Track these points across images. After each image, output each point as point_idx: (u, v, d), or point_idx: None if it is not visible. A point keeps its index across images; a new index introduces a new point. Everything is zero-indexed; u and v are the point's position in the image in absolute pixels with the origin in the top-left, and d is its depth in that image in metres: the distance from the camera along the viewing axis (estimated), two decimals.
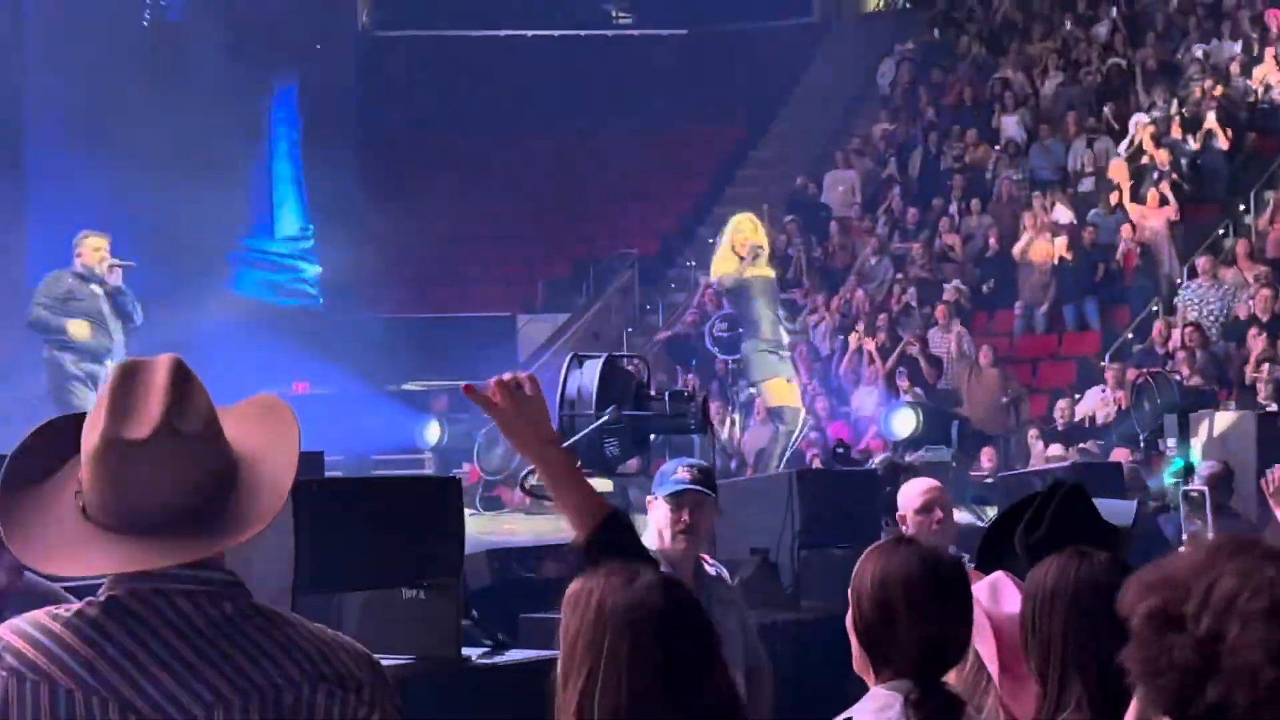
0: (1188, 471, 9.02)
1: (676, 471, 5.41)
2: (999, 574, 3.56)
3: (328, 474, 7.91)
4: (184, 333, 15.65)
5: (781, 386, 11.45)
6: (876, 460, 7.34)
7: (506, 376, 3.08)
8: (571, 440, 6.38)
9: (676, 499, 5.32)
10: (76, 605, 2.35)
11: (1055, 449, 13.56)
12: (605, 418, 6.50)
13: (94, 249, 10.97)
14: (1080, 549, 3.37)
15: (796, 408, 11.56)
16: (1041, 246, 17.93)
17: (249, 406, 2.48)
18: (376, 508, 5.05)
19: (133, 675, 2.27)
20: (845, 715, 3.02)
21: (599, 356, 6.79)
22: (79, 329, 10.71)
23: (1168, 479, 9.81)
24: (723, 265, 11.60)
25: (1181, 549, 4.17)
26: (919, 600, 3.05)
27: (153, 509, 2.28)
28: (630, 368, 6.85)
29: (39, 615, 2.36)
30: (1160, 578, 1.42)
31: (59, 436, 2.40)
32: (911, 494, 5.96)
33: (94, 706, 2.26)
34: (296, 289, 21.38)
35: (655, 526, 5.33)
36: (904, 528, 5.87)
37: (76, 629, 2.31)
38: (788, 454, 11.21)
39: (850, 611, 3.13)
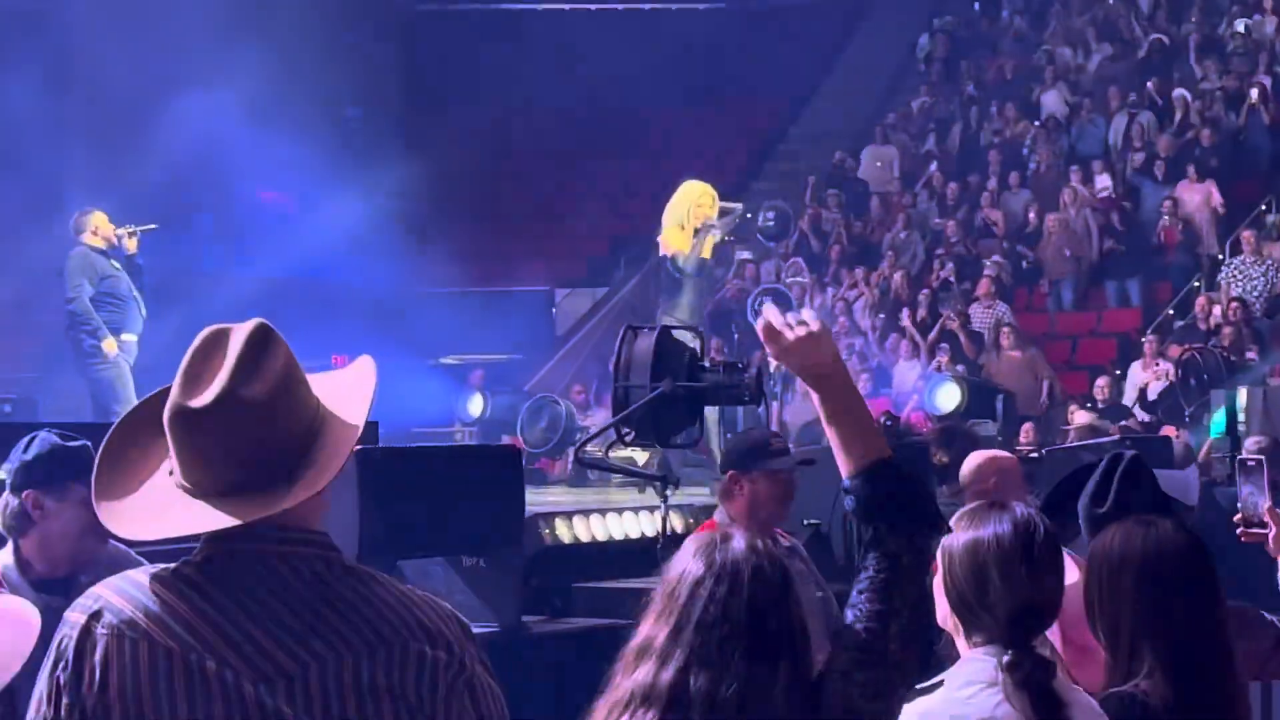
0: (1231, 430, 8.98)
1: (771, 444, 5.34)
2: None
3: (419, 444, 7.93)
4: (214, 305, 15.74)
5: None
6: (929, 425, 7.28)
7: (774, 320, 2.86)
8: (625, 412, 6.36)
9: (789, 475, 5.29)
10: (173, 565, 2.38)
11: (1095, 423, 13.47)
12: (660, 389, 6.48)
13: (106, 220, 10.77)
14: (1144, 517, 3.36)
15: None
16: (1080, 222, 17.83)
17: (349, 370, 2.51)
18: (438, 476, 5.08)
19: (229, 633, 2.29)
20: (935, 680, 3.02)
21: (654, 328, 6.77)
22: (110, 346, 10.50)
23: (1214, 433, 9.75)
24: (674, 239, 10.89)
25: (1237, 517, 4.16)
26: (1012, 566, 3.03)
27: (225, 472, 2.31)
28: (685, 338, 6.82)
29: (137, 574, 2.38)
30: None
31: (158, 408, 2.43)
32: (990, 465, 5.85)
33: (192, 663, 2.28)
34: None
35: (745, 500, 5.22)
36: (974, 496, 5.79)
37: (174, 587, 2.33)
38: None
39: (941, 575, 3.11)
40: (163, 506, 2.37)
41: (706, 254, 10.70)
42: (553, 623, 5.41)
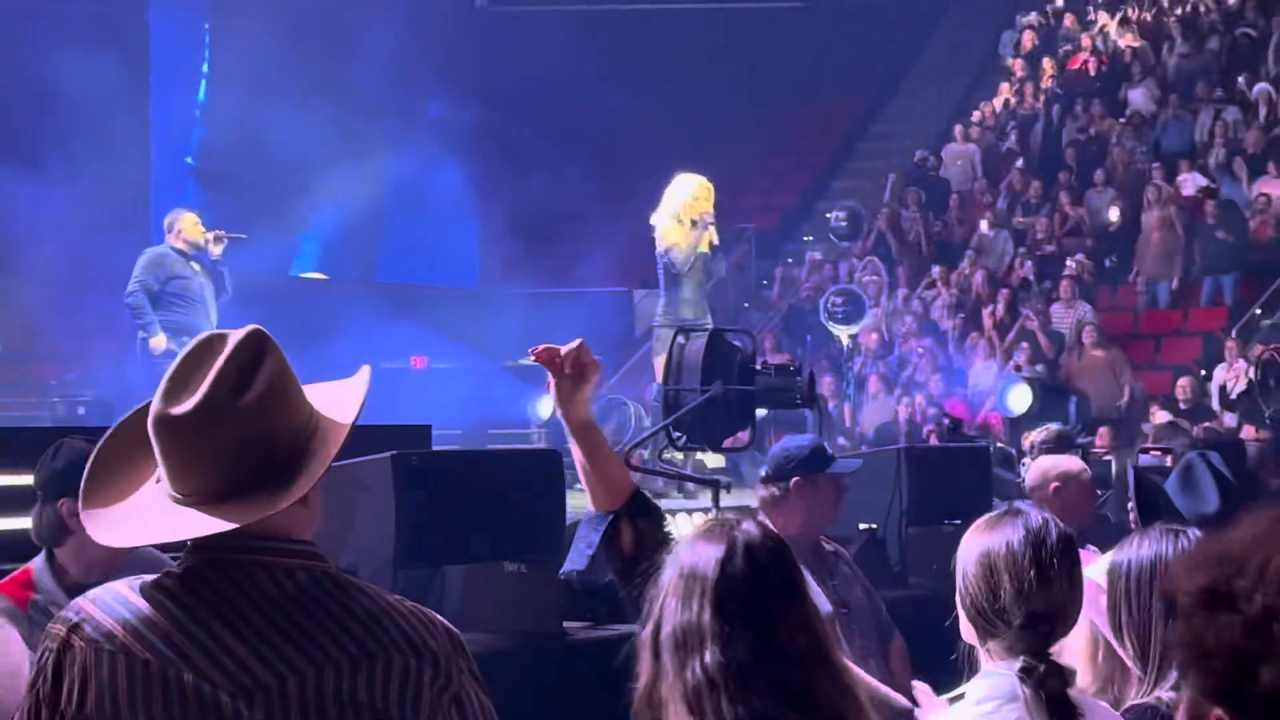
0: None
1: (820, 451, 5.30)
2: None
3: (439, 447, 7.96)
4: (295, 308, 15.87)
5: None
6: (1041, 432, 7.19)
7: (574, 344, 3.18)
8: (676, 415, 6.35)
9: (841, 478, 5.27)
10: (154, 576, 2.38)
11: (1172, 425, 13.27)
12: (711, 392, 6.45)
13: (194, 223, 10.87)
14: (1171, 526, 3.30)
15: None
16: (1165, 219, 17.58)
17: (349, 380, 2.51)
18: (478, 481, 5.07)
19: (208, 645, 2.29)
20: (959, 690, 2.99)
21: (704, 331, 6.75)
22: (158, 342, 10.56)
23: None
24: (672, 234, 10.70)
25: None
26: (1023, 574, 2.99)
27: (208, 479, 2.31)
28: (736, 342, 6.78)
29: (118, 586, 2.38)
30: (1212, 554, 1.32)
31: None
32: (1055, 470, 5.83)
33: (169, 676, 2.27)
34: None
35: (797, 508, 5.17)
36: (1039, 501, 5.74)
37: (153, 599, 2.33)
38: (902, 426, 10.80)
39: (958, 584, 3.09)
40: (147, 513, 2.37)
41: (705, 248, 10.61)
42: (596, 629, 5.37)
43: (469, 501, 5.01)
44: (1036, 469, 5.90)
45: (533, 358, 3.23)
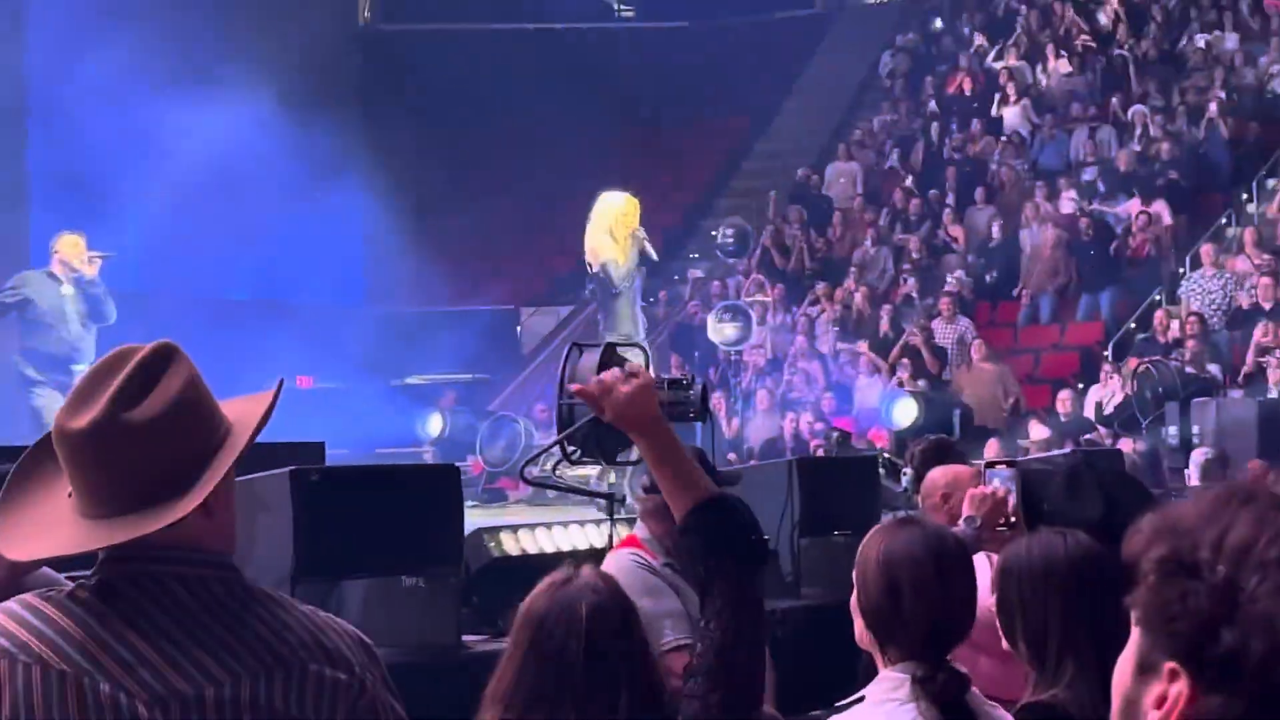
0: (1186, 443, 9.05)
1: (704, 464, 5.34)
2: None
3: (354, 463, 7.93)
4: (180, 327, 15.65)
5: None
6: (921, 442, 7.29)
7: (607, 377, 3.05)
8: (571, 430, 6.36)
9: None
10: (68, 587, 2.37)
11: (1052, 438, 13.55)
12: None
13: (72, 244, 10.76)
14: (1057, 529, 3.39)
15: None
16: (1044, 237, 17.92)
17: (260, 394, 2.52)
18: (376, 496, 5.08)
19: (124, 656, 2.28)
20: (857, 696, 3.04)
21: (598, 345, 6.78)
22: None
23: None
24: (606, 250, 10.74)
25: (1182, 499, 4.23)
26: (925, 580, 3.05)
27: (111, 492, 2.32)
28: (630, 356, 6.82)
29: (30, 597, 2.37)
30: (1168, 524, 1.41)
31: None
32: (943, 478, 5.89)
33: (85, 687, 2.27)
34: None
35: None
36: (929, 510, 5.81)
37: (68, 610, 2.32)
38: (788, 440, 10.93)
39: (855, 591, 3.13)
40: (51, 526, 2.37)
41: (634, 263, 10.68)
42: (494, 642, 5.39)
43: (367, 516, 5.01)
44: (927, 478, 5.97)
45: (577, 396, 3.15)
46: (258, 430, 2.43)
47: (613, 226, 10.50)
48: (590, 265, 10.68)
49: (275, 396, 2.51)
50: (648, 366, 6.82)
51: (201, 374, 2.46)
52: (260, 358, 16.58)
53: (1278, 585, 1.34)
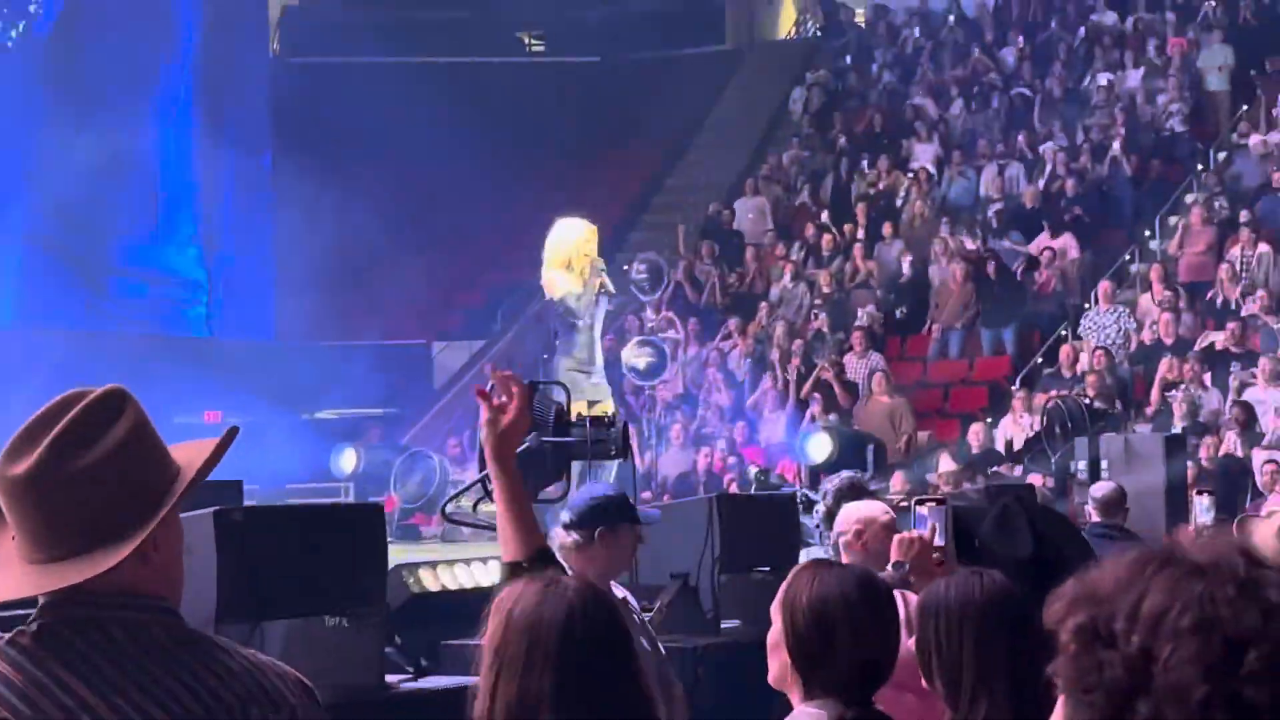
0: (1094, 477, 9.16)
1: (623, 501, 5.39)
2: None
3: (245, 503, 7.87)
4: (88, 364, 15.52)
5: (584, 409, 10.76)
6: (835, 479, 7.33)
7: (506, 373, 3.20)
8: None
9: (642, 529, 5.34)
10: (8, 635, 2.37)
11: (961, 471, 13.69)
12: (527, 444, 6.49)
13: None
14: (975, 568, 3.45)
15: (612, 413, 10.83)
16: (953, 272, 18.13)
17: (209, 440, 2.52)
18: (299, 536, 5.06)
19: (65, 702, 2.28)
20: None
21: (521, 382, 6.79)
22: None
23: None
24: (563, 282, 10.69)
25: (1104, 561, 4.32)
26: (858, 621, 3.09)
27: (51, 537, 2.32)
28: (552, 394, 6.84)
29: None
30: (1086, 592, 1.41)
31: None
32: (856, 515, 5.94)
33: None
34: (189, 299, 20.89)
35: (600, 556, 5.25)
36: (843, 547, 5.85)
37: (9, 657, 2.32)
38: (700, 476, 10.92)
39: (782, 628, 3.15)
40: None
41: (593, 293, 10.66)
42: (417, 682, 5.39)
43: (290, 556, 5.00)
44: (840, 515, 6.02)
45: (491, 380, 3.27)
46: (198, 478, 2.43)
47: (570, 257, 10.48)
48: (548, 295, 10.62)
49: (222, 443, 2.51)
50: (568, 405, 6.84)
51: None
52: (168, 393, 16.43)
53: (1190, 655, 1.34)
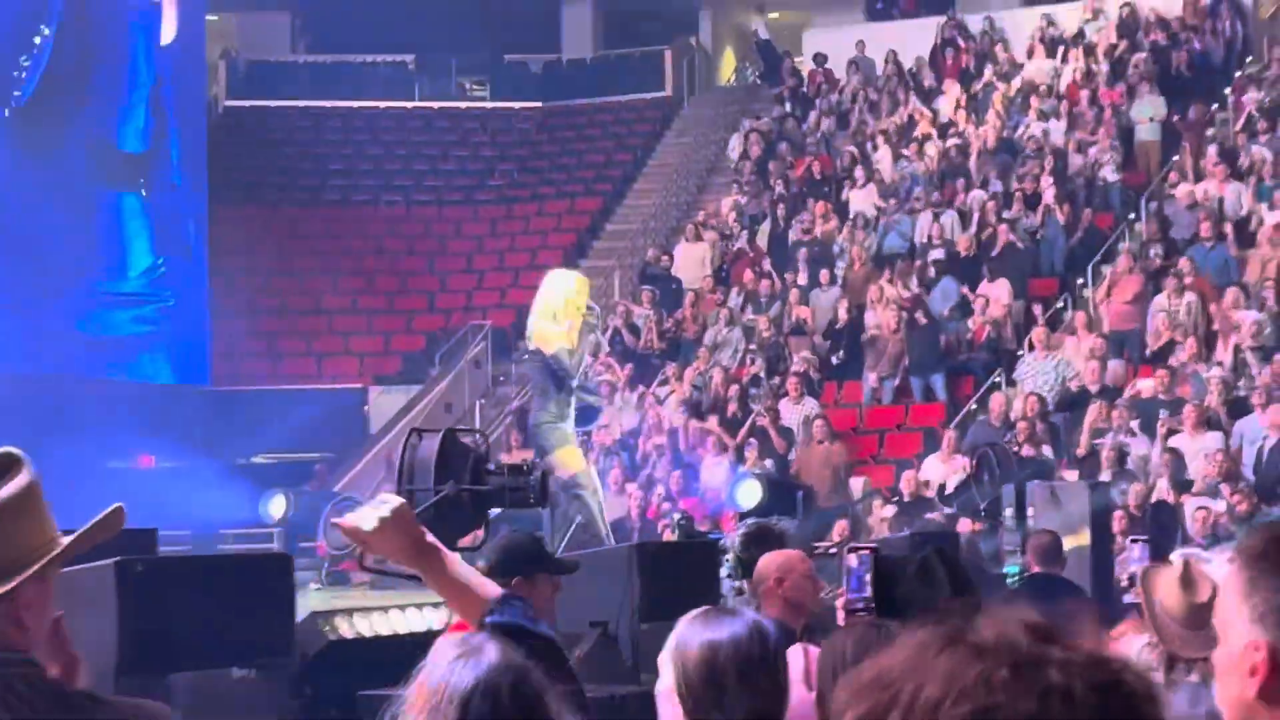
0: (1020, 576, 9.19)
1: (544, 548, 5.38)
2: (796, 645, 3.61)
3: (169, 550, 7.80)
4: (22, 406, 15.36)
5: (574, 454, 10.78)
6: (743, 526, 7.31)
7: (347, 522, 3.07)
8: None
9: (560, 578, 5.32)
10: None
11: (896, 518, 13.73)
12: (444, 492, 6.48)
13: None
14: (874, 621, 3.44)
15: (588, 470, 10.84)
16: (888, 319, 18.21)
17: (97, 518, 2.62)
18: (204, 586, 5.00)
19: None
20: None
21: (438, 431, 6.77)
22: None
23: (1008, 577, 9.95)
24: (553, 336, 10.53)
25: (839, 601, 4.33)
26: (750, 668, 3.07)
27: None
28: (469, 441, 6.82)
29: None
30: (873, 677, 1.33)
31: None
32: (775, 563, 5.92)
33: None
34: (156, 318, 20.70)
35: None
36: (763, 595, 5.82)
37: None
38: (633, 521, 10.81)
39: (672, 677, 3.12)
40: None
41: (584, 350, 10.56)
42: None
43: (196, 606, 4.94)
44: (759, 563, 5.99)
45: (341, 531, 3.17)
46: (70, 550, 2.50)
47: (559, 310, 10.31)
48: (535, 346, 10.46)
49: (103, 521, 2.58)
50: (487, 454, 6.83)
51: (39, 456, 2.54)
52: (103, 437, 16.30)
53: None
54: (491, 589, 3.13)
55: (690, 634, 3.14)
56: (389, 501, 3.05)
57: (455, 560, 3.16)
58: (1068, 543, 9.29)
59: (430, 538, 3.13)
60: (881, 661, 1.34)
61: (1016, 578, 9.46)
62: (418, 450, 6.53)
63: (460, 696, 2.54)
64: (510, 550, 5.23)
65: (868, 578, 4.41)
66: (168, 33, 20.87)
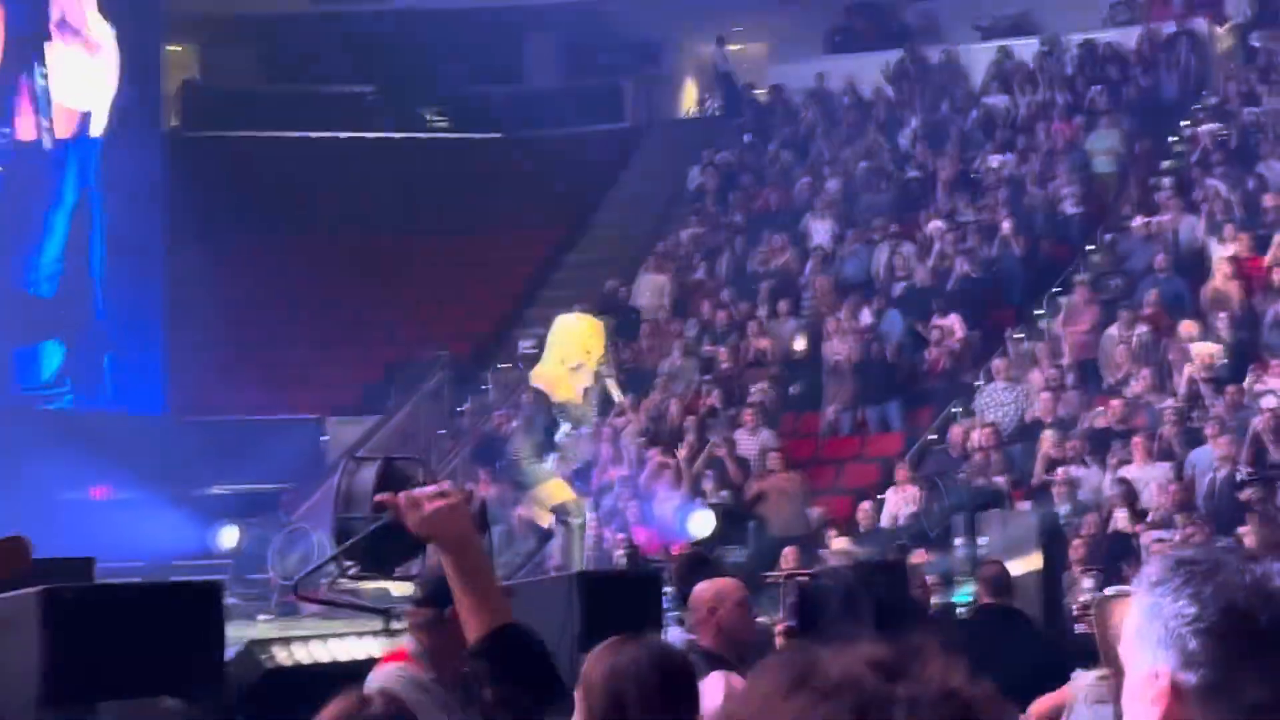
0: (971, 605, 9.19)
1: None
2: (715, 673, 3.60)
3: (120, 580, 7.72)
4: None
5: (560, 485, 10.79)
6: (679, 555, 7.30)
7: (418, 492, 3.08)
8: (347, 544, 6.29)
9: None
10: None
11: (853, 548, 13.71)
12: (382, 520, 6.42)
13: None
14: (797, 648, 3.43)
15: (576, 500, 10.83)
16: (846, 349, 18.25)
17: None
18: (132, 615, 4.96)
19: None
20: None
21: (377, 459, 6.73)
22: None
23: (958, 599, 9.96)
24: (564, 388, 10.37)
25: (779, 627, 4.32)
26: (651, 695, 3.06)
27: None
28: (409, 469, 6.77)
29: None
30: (730, 715, 1.33)
31: None
32: (709, 593, 5.89)
33: None
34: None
35: (447, 635, 5.17)
36: (697, 624, 5.81)
37: None
38: (587, 551, 10.73)
39: (578, 708, 3.13)
40: None
41: (595, 403, 10.47)
42: None
43: (123, 636, 4.89)
44: (693, 592, 5.96)
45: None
46: None
47: (566, 355, 10.21)
48: (539, 386, 10.38)
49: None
50: (427, 483, 6.79)
51: None
52: (56, 468, 16.20)
53: None
54: (508, 612, 3.08)
55: (595, 663, 3.14)
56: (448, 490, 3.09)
57: (490, 567, 3.14)
58: (1018, 568, 9.31)
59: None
60: (732, 707, 1.34)
61: (967, 607, 9.47)
62: (355, 477, 6.46)
63: None
64: (443, 578, 5.20)
65: (790, 607, 4.41)
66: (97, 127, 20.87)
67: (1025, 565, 10.16)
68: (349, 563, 6.68)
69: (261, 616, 10.74)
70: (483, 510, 6.34)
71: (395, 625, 6.27)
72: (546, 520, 10.13)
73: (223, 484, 19.61)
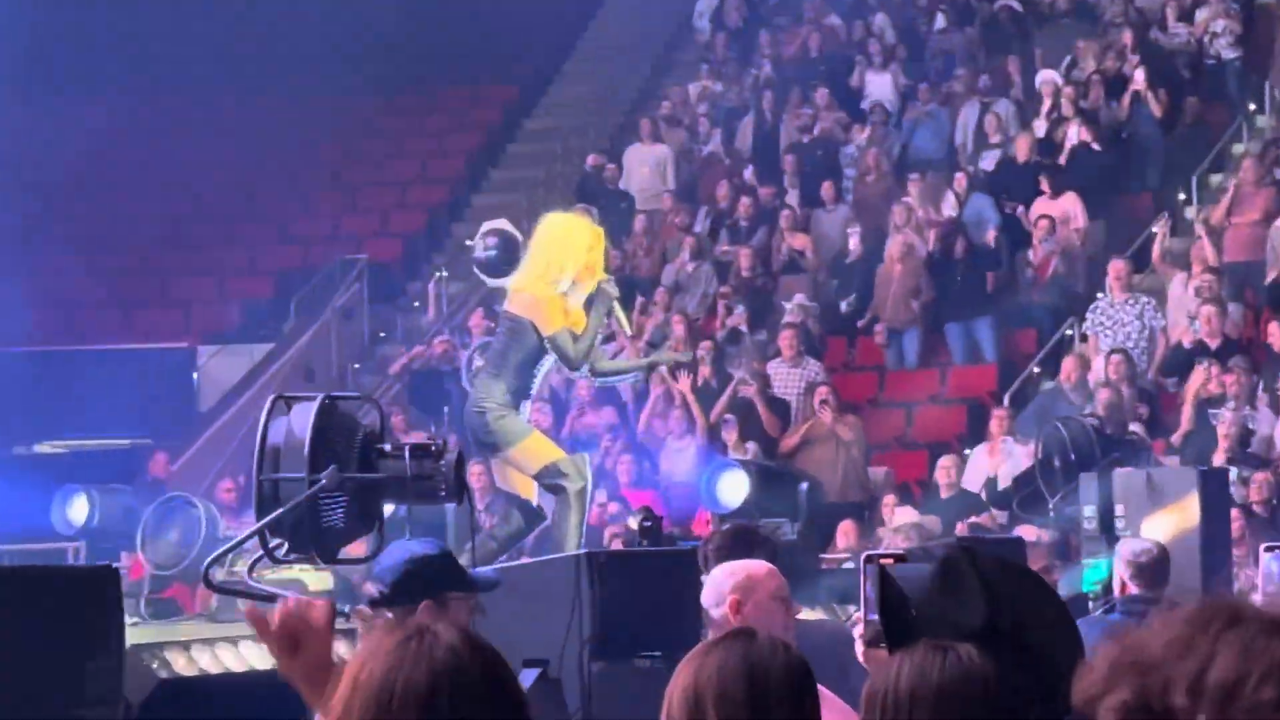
0: (1108, 589, 9.30)
1: (457, 565, 5.45)
2: None
3: None
4: None
5: (541, 440, 10.73)
6: (718, 533, 7.36)
7: (291, 604, 3.21)
8: (272, 515, 6.42)
9: (479, 598, 5.39)
10: None
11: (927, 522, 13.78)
12: (322, 481, 6.53)
13: None
14: (939, 643, 3.54)
15: (569, 458, 10.76)
16: (916, 248, 18.31)
17: None
18: (6, 612, 5.04)
19: None
20: None
21: (313, 398, 6.82)
22: None
23: (1086, 586, 10.07)
24: (561, 314, 10.36)
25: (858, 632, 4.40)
26: (732, 706, 3.18)
27: None
28: (358, 413, 6.88)
29: None
30: (1129, 658, 1.46)
31: None
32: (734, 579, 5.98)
33: None
34: None
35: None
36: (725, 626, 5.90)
37: None
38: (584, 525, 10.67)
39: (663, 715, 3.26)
40: None
41: (595, 335, 10.51)
42: None
43: None
44: (710, 580, 6.04)
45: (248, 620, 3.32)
46: None
47: (572, 274, 10.18)
48: (518, 314, 10.33)
49: None
50: (383, 431, 6.87)
51: None
52: None
53: None
54: None
55: (683, 665, 3.27)
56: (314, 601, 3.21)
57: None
58: (1171, 553, 9.42)
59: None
60: (1135, 642, 1.48)
61: (1103, 600, 9.57)
62: (286, 425, 6.57)
63: (419, 693, 2.62)
64: (412, 568, 5.31)
65: (874, 596, 4.47)
66: None
67: (1178, 542, 10.27)
68: (275, 541, 6.82)
69: (129, 619, 10.80)
70: (458, 472, 6.43)
71: (346, 626, 6.37)
72: (530, 491, 10.10)
73: (56, 440, 19.67)
